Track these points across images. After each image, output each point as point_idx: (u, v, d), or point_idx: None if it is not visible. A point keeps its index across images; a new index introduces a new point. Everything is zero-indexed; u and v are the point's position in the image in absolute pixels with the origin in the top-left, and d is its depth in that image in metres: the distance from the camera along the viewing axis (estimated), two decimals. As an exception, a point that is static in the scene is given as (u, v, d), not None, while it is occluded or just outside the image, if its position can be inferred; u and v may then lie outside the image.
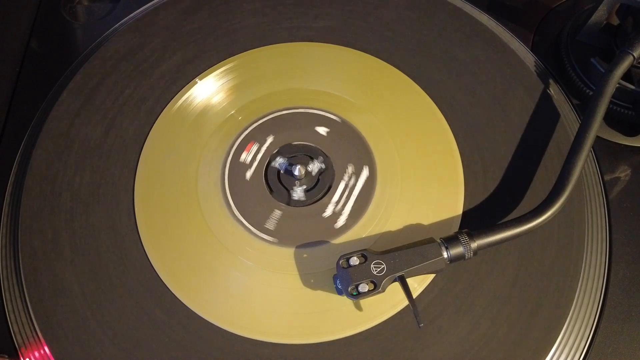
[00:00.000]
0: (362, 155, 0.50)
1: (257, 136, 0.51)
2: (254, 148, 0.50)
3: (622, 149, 0.53)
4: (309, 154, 0.50)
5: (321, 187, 0.49)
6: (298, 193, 0.49)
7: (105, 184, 0.49)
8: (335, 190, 0.49)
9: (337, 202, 0.48)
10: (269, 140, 0.51)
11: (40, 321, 0.44)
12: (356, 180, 0.49)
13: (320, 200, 0.48)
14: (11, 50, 0.58)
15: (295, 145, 0.51)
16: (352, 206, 0.48)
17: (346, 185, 0.49)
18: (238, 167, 0.49)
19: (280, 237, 0.47)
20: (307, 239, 0.47)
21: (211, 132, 0.51)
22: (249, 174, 0.49)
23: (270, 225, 0.47)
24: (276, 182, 0.49)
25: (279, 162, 0.50)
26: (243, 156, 0.50)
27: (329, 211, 0.48)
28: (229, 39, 0.56)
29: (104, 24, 0.60)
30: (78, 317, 0.44)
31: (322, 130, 0.51)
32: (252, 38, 0.56)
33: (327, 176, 0.50)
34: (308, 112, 0.52)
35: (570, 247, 0.46)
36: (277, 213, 0.48)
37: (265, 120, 0.52)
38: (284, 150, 0.50)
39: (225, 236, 0.47)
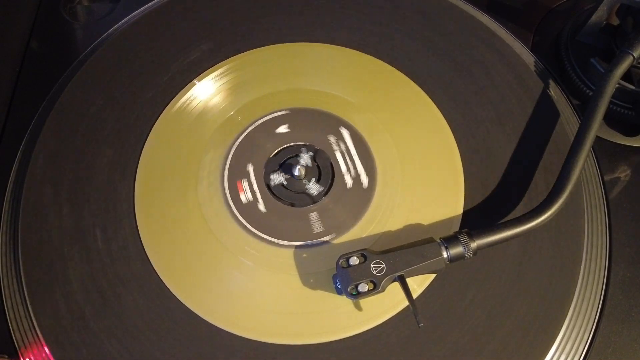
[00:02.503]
0: (329, 120, 0.51)
1: (238, 173, 0.50)
2: (245, 184, 0.49)
3: (622, 149, 0.53)
4: (293, 154, 0.50)
5: (326, 169, 0.50)
6: (313, 188, 0.49)
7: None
8: (337, 162, 0.50)
9: (348, 169, 0.49)
10: (250, 169, 0.50)
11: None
12: (345, 142, 0.50)
13: (335, 180, 0.49)
14: (11, 50, 0.58)
15: (274, 156, 0.50)
16: (361, 163, 0.49)
17: (342, 152, 0.50)
18: (247, 206, 0.48)
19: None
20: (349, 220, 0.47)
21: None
22: (262, 207, 0.48)
23: (319, 227, 0.47)
24: (289, 193, 0.49)
25: (276, 177, 0.50)
26: (243, 197, 0.49)
27: (348, 181, 0.48)
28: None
29: (104, 24, 0.60)
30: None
31: (282, 129, 0.51)
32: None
33: (322, 157, 0.50)
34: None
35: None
36: (314, 215, 0.48)
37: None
38: (270, 166, 0.50)
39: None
